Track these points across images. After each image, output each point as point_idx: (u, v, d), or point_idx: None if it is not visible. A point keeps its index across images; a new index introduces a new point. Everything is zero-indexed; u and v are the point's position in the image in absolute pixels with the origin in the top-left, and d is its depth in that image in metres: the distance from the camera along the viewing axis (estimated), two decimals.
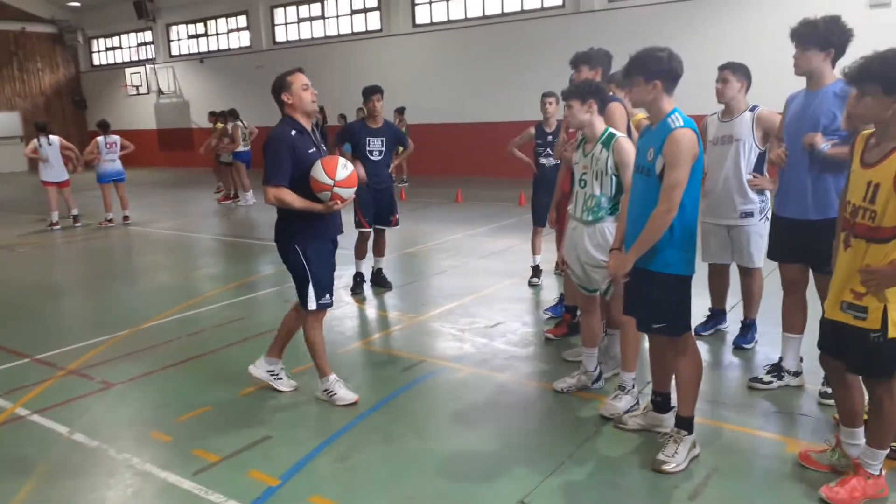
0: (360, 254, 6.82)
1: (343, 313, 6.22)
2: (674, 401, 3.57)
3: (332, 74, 19.09)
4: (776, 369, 4.26)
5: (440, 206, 12.77)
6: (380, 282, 7.00)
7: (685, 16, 14.05)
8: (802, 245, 3.90)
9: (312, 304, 4.13)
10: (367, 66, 18.78)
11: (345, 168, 3.94)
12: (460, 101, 17.35)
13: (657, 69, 3.28)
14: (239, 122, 13.62)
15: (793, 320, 4.14)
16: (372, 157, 6.52)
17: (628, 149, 3.86)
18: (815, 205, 3.80)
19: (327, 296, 4.17)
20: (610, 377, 4.47)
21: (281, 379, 4.50)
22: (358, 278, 6.86)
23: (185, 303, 6.68)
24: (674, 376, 3.51)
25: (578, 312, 5.30)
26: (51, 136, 11.25)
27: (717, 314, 5.20)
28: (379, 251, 6.96)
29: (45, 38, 25.64)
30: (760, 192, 4.64)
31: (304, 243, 4.10)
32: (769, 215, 4.68)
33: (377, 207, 6.65)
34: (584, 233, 4.01)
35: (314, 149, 4.08)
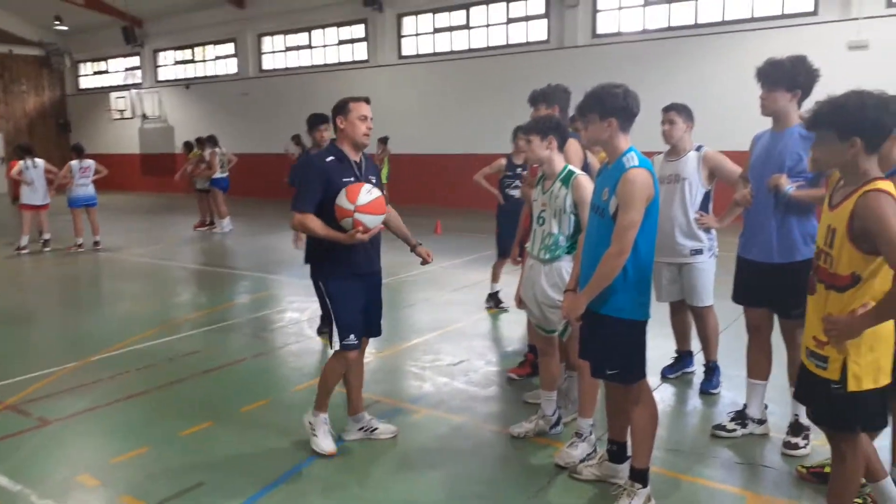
0: None
1: (302, 349, 6.01)
2: (630, 450, 3.39)
3: (318, 103, 18.81)
4: (740, 417, 4.09)
5: (418, 236, 12.57)
6: None
7: (669, 52, 14.11)
8: (766, 288, 3.78)
9: (336, 345, 3.83)
10: (354, 96, 18.74)
11: (368, 193, 3.61)
12: (445, 133, 17.31)
13: (612, 106, 3.16)
14: (217, 149, 13.48)
15: (757, 366, 3.99)
16: None
17: (587, 186, 3.72)
18: (780, 248, 3.68)
19: (352, 336, 3.82)
20: (569, 421, 4.28)
21: (377, 428, 4.15)
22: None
23: (140, 333, 6.45)
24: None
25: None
26: (36, 159, 11.10)
27: (683, 357, 5.04)
28: None
29: (32, 60, 25.54)
30: (707, 230, 4.62)
31: (326, 278, 3.85)
32: (717, 253, 4.71)
33: None
34: (541, 271, 3.86)
35: (353, 179, 3.76)
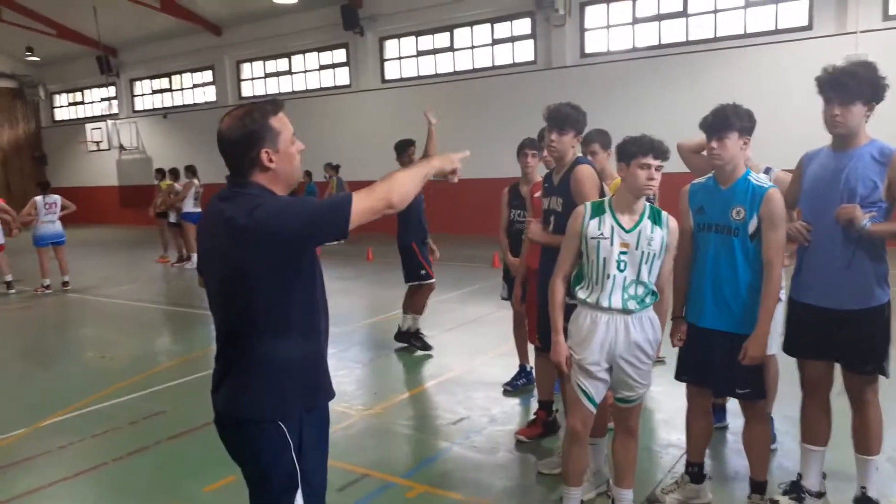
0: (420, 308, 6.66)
1: None
2: (707, 469, 3.58)
3: (300, 129, 17.92)
4: (795, 489, 3.48)
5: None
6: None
7: (660, 70, 13.70)
8: (832, 339, 3.18)
9: None
10: (336, 121, 18.26)
11: None
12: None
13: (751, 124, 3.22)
14: (195, 180, 12.84)
15: (815, 429, 3.39)
16: None
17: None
18: (852, 292, 3.11)
19: None
20: (593, 498, 3.67)
21: None
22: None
23: (104, 390, 5.77)
24: (746, 442, 3.42)
25: (555, 409, 4.55)
26: None
27: (715, 409, 4.44)
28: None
29: (5, 92, 24.86)
30: None
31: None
32: (783, 297, 4.01)
33: None
34: (629, 325, 3.13)
35: None
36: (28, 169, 25.25)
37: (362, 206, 2.12)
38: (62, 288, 10.76)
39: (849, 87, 2.98)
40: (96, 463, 4.37)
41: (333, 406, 5.04)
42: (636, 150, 3.03)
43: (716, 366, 3.28)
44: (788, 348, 3.43)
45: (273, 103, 2.26)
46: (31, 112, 25.84)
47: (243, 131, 2.17)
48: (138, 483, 4.11)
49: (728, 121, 3.12)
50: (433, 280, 6.60)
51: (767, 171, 4.00)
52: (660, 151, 3.02)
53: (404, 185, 2.22)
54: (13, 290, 10.64)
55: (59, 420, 5.16)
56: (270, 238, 2.07)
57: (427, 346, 6.60)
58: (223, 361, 2.25)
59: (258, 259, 2.10)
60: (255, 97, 20.36)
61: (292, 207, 2.12)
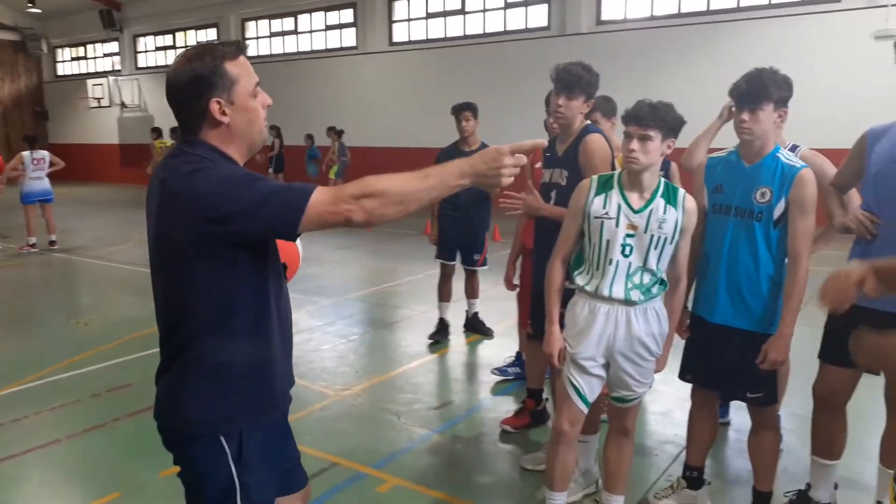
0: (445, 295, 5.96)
1: None
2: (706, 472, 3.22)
3: (305, 91, 18.06)
4: (802, 500, 3.13)
5: (406, 238, 11.59)
6: (476, 327, 6.04)
7: (680, 40, 13.11)
8: None
9: None
10: (342, 84, 17.77)
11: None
12: (437, 126, 16.20)
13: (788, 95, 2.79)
14: None
15: (830, 442, 3.01)
16: None
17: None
18: None
19: None
20: (579, 500, 3.34)
21: None
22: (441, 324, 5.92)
23: (70, 358, 5.46)
24: (753, 449, 3.06)
25: (544, 397, 4.20)
26: None
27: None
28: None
29: (7, 45, 24.38)
30: None
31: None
32: None
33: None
34: (631, 318, 2.74)
35: None
36: (29, 124, 24.86)
37: (317, 209, 1.64)
38: (49, 247, 10.44)
39: None
40: (48, 440, 4.05)
41: (311, 385, 4.67)
42: (624, 118, 2.64)
43: (726, 367, 2.91)
44: (827, 354, 2.97)
45: (234, 44, 1.83)
46: (34, 66, 25.39)
47: (191, 75, 1.75)
48: (89, 464, 3.80)
49: (766, 90, 2.68)
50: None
51: (793, 148, 3.57)
52: (641, 119, 2.57)
53: (387, 197, 1.65)
54: None
55: (18, 390, 4.85)
56: (200, 211, 1.66)
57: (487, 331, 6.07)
58: (162, 357, 1.88)
59: (187, 234, 1.69)
60: (259, 56, 19.86)
61: (235, 183, 1.68)
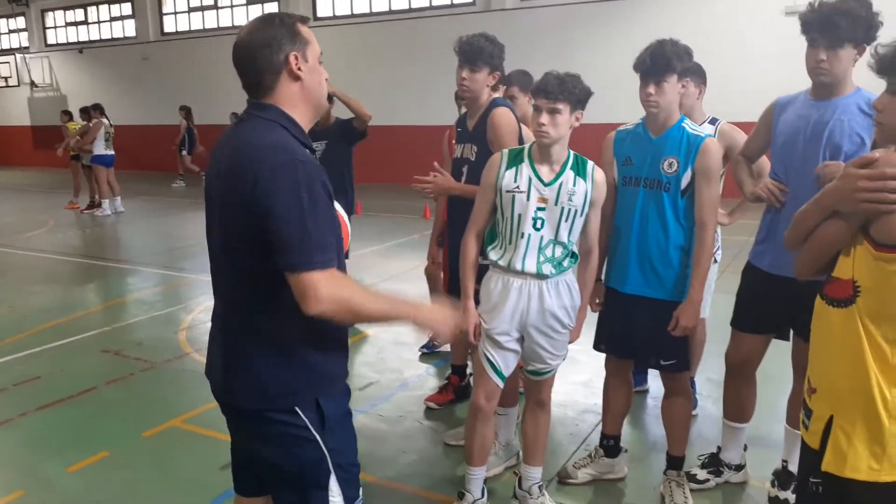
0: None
1: (178, 372, 4.89)
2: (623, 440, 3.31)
3: (225, 70, 17.31)
4: (714, 463, 3.25)
5: None
6: None
7: (598, 18, 13.28)
8: (789, 311, 2.74)
9: None
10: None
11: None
12: (361, 100, 16.08)
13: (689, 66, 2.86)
14: (104, 120, 11.89)
15: (742, 407, 3.12)
16: None
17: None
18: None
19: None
20: (500, 472, 3.38)
21: None
22: None
23: None
24: (665, 415, 3.14)
25: (469, 373, 4.22)
26: None
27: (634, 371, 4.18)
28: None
29: None
30: None
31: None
32: (719, 257, 3.71)
33: None
34: (543, 291, 2.74)
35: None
36: None
37: (312, 283, 1.68)
38: None
39: (840, 27, 2.49)
40: None
41: None
42: (532, 91, 2.65)
43: (639, 335, 2.97)
44: (738, 321, 3.02)
45: (299, 16, 1.88)
46: None
47: (268, 33, 1.78)
48: None
49: (669, 62, 2.71)
50: None
51: (713, 121, 3.65)
52: (549, 92, 2.57)
53: (346, 315, 1.78)
54: None
55: None
56: (254, 195, 1.69)
57: None
58: (224, 337, 1.92)
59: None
60: (177, 33, 19.11)
61: (302, 200, 1.68)
